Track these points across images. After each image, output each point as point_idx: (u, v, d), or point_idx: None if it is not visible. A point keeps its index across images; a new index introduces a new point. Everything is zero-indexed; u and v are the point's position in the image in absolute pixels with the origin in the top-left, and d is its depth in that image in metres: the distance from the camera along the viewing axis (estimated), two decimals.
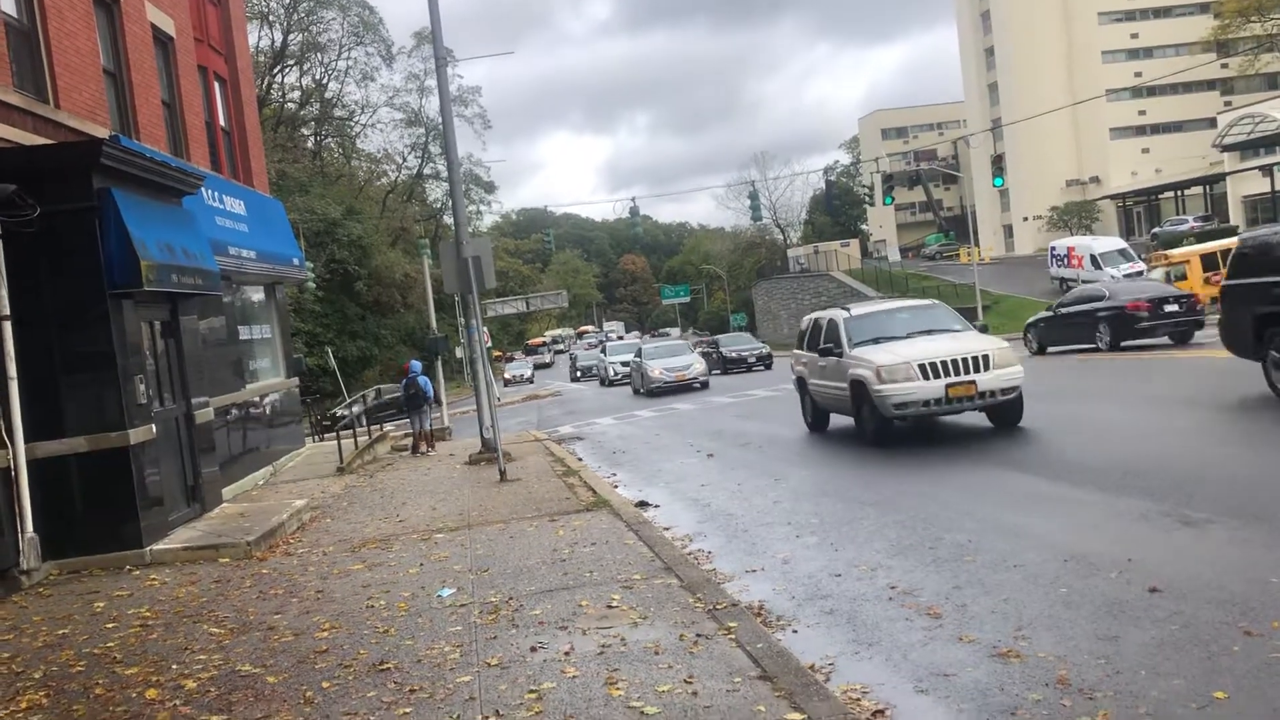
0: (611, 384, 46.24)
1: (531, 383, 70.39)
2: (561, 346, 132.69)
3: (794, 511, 10.79)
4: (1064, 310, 28.46)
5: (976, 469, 11.86)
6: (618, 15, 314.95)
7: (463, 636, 6.88)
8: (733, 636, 6.30)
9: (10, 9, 11.54)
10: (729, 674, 5.67)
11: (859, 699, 5.45)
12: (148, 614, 8.44)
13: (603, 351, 52.37)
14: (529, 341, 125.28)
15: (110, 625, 8.15)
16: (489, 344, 41.96)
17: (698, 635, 6.40)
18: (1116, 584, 6.80)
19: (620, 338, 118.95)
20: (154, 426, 11.43)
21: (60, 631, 8.08)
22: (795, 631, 6.75)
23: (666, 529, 10.49)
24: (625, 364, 43.02)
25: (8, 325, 10.04)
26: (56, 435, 10.60)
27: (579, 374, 62.89)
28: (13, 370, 10.01)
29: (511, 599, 7.77)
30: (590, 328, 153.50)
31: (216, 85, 18.90)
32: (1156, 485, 9.49)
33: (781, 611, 7.22)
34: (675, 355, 36.54)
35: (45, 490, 10.39)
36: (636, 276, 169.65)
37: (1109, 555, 7.45)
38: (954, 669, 5.67)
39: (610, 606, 7.27)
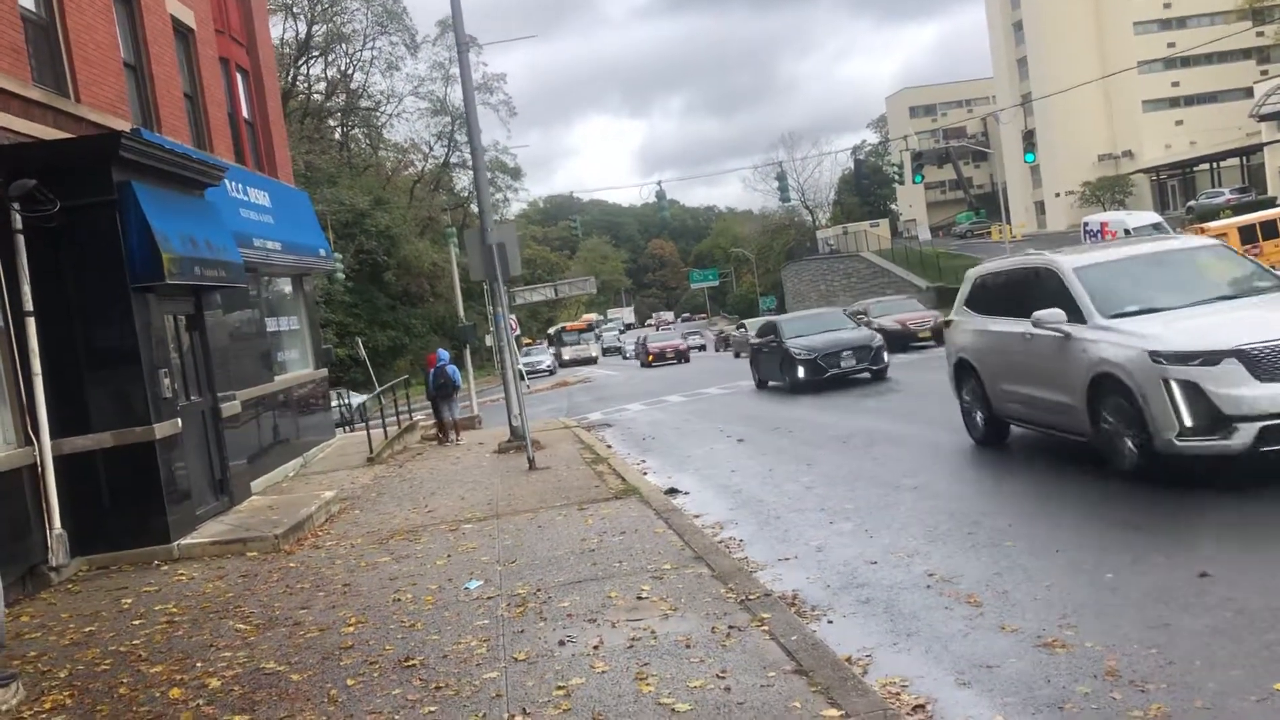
0: None
1: (552, 374, 57.53)
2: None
3: (827, 497, 10.57)
4: None
5: (1008, 453, 11.57)
6: None
7: (490, 630, 6.74)
8: (766, 628, 6.11)
9: (29, 3, 11.46)
10: (762, 668, 5.49)
11: (898, 693, 5.25)
12: (174, 610, 8.37)
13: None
14: (566, 326, 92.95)
15: (137, 622, 8.09)
16: (517, 331, 40.24)
17: (730, 627, 6.22)
18: (1164, 568, 6.56)
19: (633, 326, 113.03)
20: (180, 421, 11.37)
21: (87, 629, 8.03)
22: (830, 622, 6.55)
23: (697, 516, 10.31)
24: None
25: (31, 321, 10.00)
26: (82, 431, 10.57)
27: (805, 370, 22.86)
28: (37, 366, 9.98)
29: (539, 591, 7.62)
30: (594, 316, 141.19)
31: (239, 77, 18.83)
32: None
33: (816, 601, 7.02)
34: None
35: (72, 486, 10.35)
36: (665, 261, 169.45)
37: (1154, 539, 7.20)
38: (997, 660, 5.46)
39: (640, 598, 7.11)
